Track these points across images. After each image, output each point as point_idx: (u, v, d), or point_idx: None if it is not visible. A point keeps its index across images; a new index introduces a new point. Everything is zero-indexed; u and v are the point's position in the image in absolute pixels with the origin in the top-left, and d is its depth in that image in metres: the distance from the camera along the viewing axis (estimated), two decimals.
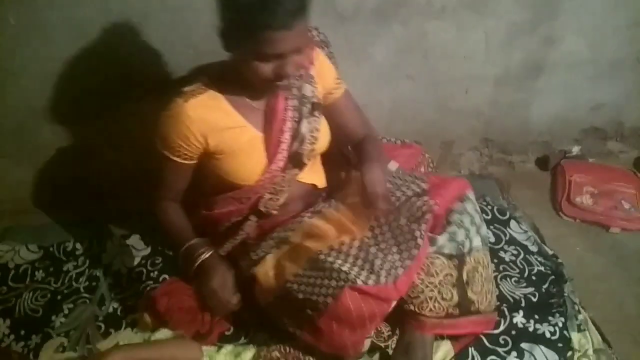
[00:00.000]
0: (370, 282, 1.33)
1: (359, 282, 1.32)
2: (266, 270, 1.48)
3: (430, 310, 1.46)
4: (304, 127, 1.50)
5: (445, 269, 1.48)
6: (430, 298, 1.46)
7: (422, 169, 1.93)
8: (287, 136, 1.48)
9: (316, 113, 1.53)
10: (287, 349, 1.38)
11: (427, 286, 1.46)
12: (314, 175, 1.63)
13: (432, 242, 1.49)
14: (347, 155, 1.75)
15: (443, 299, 1.48)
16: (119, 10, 1.70)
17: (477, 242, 1.56)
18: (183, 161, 1.45)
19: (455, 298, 1.49)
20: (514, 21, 2.01)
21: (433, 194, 1.53)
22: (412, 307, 1.46)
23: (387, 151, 1.80)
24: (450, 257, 1.50)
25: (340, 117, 1.62)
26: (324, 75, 1.55)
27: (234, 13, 1.25)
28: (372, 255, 1.39)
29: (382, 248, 1.42)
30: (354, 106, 1.67)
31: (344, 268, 1.34)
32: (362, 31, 1.91)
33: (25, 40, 1.71)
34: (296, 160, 1.52)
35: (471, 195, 1.61)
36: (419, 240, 1.41)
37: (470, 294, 1.51)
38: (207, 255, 1.49)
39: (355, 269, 1.35)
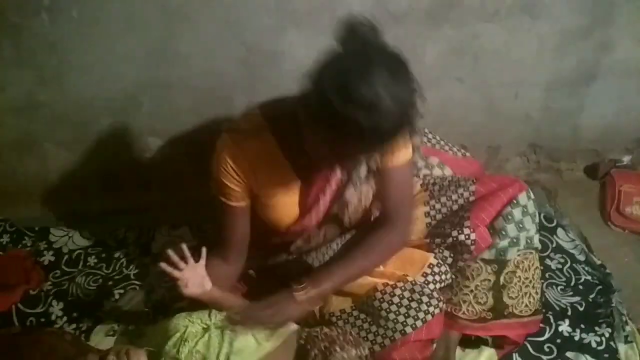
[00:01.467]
0: (419, 322, 1.33)
1: (409, 330, 1.33)
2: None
3: (464, 313, 1.46)
4: (349, 193, 1.37)
5: (483, 274, 1.46)
6: (464, 301, 1.46)
7: None
8: (327, 197, 1.39)
9: (371, 181, 1.39)
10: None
11: (461, 289, 1.46)
12: None
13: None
14: None
15: (478, 302, 1.47)
16: (177, 5, 1.74)
17: (521, 244, 1.49)
18: (233, 203, 1.38)
19: (490, 302, 1.48)
20: (568, 26, 1.98)
21: (478, 208, 1.48)
22: (447, 308, 1.46)
23: (448, 162, 1.68)
24: (489, 262, 1.47)
25: (381, 187, 1.41)
26: None
27: (333, 95, 1.02)
28: (417, 294, 1.36)
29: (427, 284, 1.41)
30: (400, 183, 1.42)
31: (392, 317, 1.34)
32: (412, 32, 1.90)
33: (87, 33, 1.77)
34: (336, 221, 1.47)
35: (522, 198, 1.49)
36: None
37: (505, 298, 1.48)
38: None
39: (403, 313, 1.34)
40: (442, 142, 1.77)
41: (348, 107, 1.00)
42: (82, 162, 2.07)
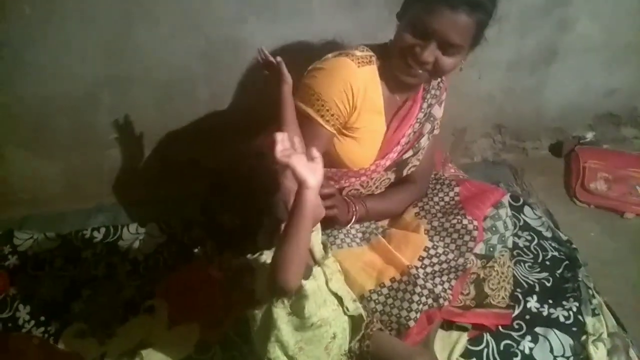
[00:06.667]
0: (418, 315, 1.37)
1: (412, 324, 1.35)
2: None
3: (450, 302, 1.47)
4: (424, 142, 1.54)
5: (473, 268, 1.51)
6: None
7: (448, 166, 1.95)
8: (404, 141, 1.50)
9: (430, 136, 1.57)
10: None
11: None
12: None
13: None
14: None
15: (461, 293, 1.52)
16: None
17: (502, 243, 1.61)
18: (328, 126, 1.36)
19: (472, 293, 1.54)
20: (527, 5, 1.99)
21: (471, 205, 1.57)
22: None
23: None
24: (480, 257, 1.53)
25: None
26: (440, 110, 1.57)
27: None
28: (419, 288, 1.39)
29: (427, 280, 1.42)
30: (431, 154, 1.66)
31: (394, 311, 1.36)
32: (373, 16, 1.89)
33: (40, 30, 1.72)
34: (399, 167, 1.55)
35: (505, 200, 1.65)
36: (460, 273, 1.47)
37: (486, 288, 1.55)
38: None
39: (405, 307, 1.37)
40: None
41: None
42: (43, 163, 2.02)
